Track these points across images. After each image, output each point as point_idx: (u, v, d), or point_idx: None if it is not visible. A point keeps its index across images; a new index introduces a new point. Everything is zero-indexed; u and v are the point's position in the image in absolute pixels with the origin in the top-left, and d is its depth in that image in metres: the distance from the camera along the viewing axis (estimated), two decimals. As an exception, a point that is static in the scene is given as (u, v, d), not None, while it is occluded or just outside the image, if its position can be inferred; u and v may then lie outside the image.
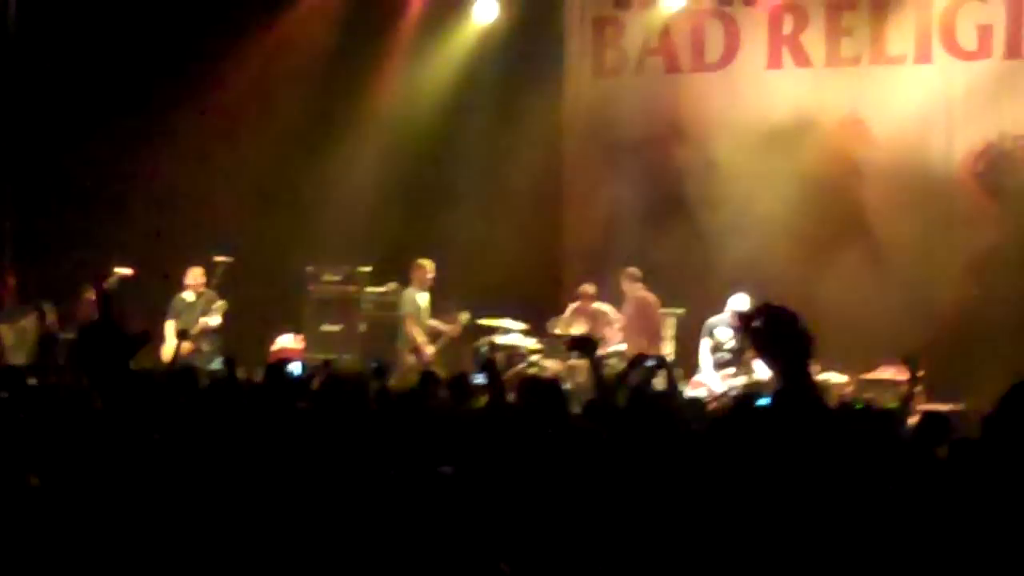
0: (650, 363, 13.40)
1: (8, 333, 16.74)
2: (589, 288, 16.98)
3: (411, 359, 16.67)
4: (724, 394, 14.98)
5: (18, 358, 15.68)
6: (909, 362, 11.58)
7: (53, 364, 15.28)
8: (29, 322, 16.91)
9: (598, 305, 16.94)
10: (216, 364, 15.10)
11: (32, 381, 10.62)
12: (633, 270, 16.89)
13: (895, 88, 17.52)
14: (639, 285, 16.82)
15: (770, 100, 18.08)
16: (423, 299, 17.12)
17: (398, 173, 18.86)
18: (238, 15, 18.85)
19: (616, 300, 17.08)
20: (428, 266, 17.11)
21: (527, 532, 5.90)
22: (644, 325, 16.63)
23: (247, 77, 19.04)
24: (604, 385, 9.48)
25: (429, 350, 16.68)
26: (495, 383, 9.72)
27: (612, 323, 16.84)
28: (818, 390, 7.10)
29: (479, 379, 11.29)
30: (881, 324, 15.96)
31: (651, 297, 16.92)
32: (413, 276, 17.16)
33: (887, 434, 6.99)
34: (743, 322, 7.27)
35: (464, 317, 17.46)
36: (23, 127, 18.60)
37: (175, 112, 18.52)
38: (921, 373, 13.93)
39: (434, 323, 17.06)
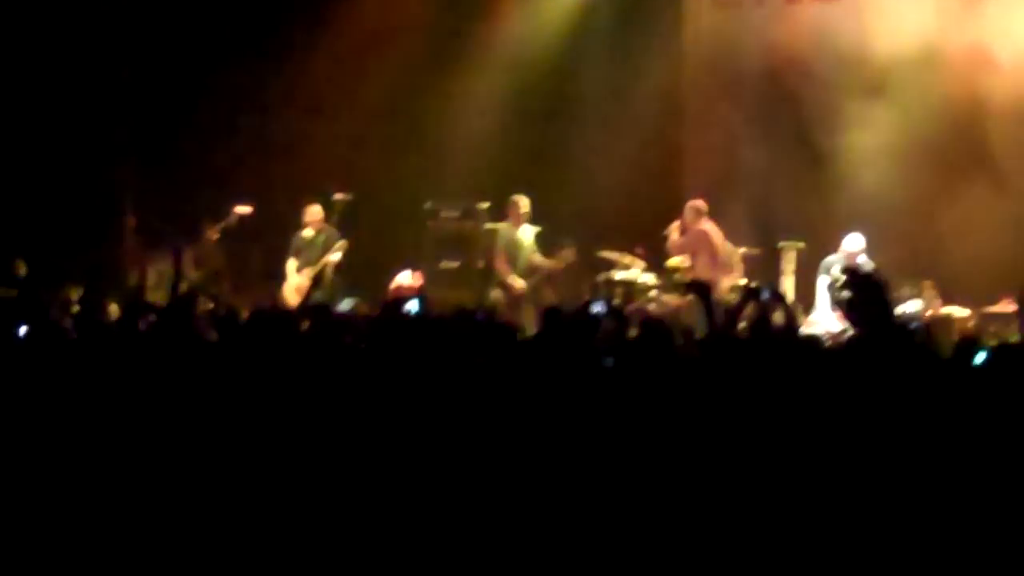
0: (765, 295, 13.90)
1: (152, 274, 17.13)
2: (699, 207, 16.81)
3: (499, 295, 16.62)
4: (841, 334, 14.33)
5: (158, 297, 15.87)
6: (1020, 298, 11.84)
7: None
8: (167, 263, 17.11)
9: (706, 224, 16.78)
10: (343, 301, 15.26)
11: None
12: (699, 203, 16.84)
13: (1021, 16, 17.08)
14: (704, 218, 16.71)
15: (893, 30, 17.55)
16: (522, 234, 17.06)
17: (517, 110, 18.71)
18: None
19: (735, 234, 16.99)
20: (522, 202, 17.08)
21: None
22: (710, 259, 16.45)
23: (365, 21, 18.75)
24: (717, 325, 9.13)
25: (518, 284, 16.61)
26: (618, 319, 9.62)
27: (731, 256, 16.69)
28: (912, 333, 8.36)
29: (598, 309, 11.40)
30: (1006, 258, 15.78)
31: (715, 230, 16.76)
32: (508, 212, 17.14)
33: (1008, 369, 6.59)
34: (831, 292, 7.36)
35: (568, 253, 17.31)
36: (144, 72, 18.70)
37: (294, 57, 18.72)
38: (1008, 305, 14.85)
39: (537, 259, 16.91)
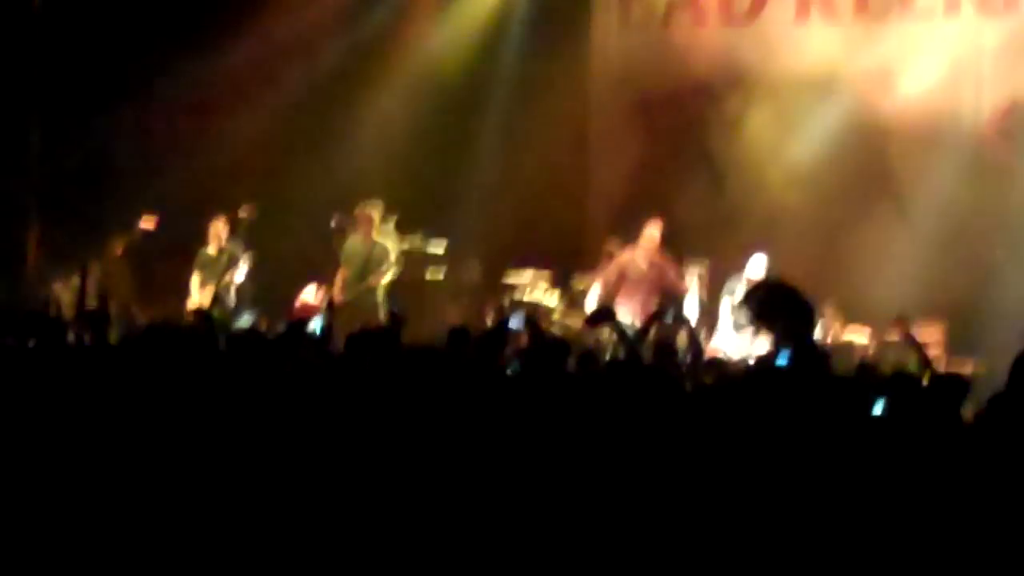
0: (668, 318, 13.58)
1: (64, 292, 16.72)
2: (612, 246, 16.69)
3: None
4: (743, 360, 14.35)
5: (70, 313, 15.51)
6: (899, 323, 12.06)
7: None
8: (75, 282, 16.67)
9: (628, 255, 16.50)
10: (243, 319, 15.27)
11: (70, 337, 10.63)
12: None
13: (923, 43, 17.22)
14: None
15: (798, 55, 17.81)
16: (362, 246, 16.71)
17: (424, 123, 18.62)
18: None
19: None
20: (372, 211, 16.81)
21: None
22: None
23: (277, 27, 18.71)
24: (629, 345, 9.77)
25: (337, 296, 16.27)
26: (536, 337, 10.10)
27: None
28: (826, 357, 8.25)
29: (515, 324, 11.50)
30: (906, 282, 15.65)
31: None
32: (358, 222, 16.83)
33: (902, 398, 6.91)
34: (745, 299, 7.40)
35: (471, 269, 17.86)
36: (50, 87, 18.51)
37: (203, 66, 18.34)
38: (934, 331, 14.92)
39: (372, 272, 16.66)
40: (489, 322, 16.06)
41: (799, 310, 7.26)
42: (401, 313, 11.98)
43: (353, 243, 16.56)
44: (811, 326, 8.23)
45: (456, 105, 18.72)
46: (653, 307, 14.99)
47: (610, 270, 16.50)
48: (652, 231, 16.51)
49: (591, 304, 15.93)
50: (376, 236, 16.63)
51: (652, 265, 16.51)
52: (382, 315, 15.85)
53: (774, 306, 7.67)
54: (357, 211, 16.69)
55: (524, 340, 11.79)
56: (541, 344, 9.99)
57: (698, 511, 5.40)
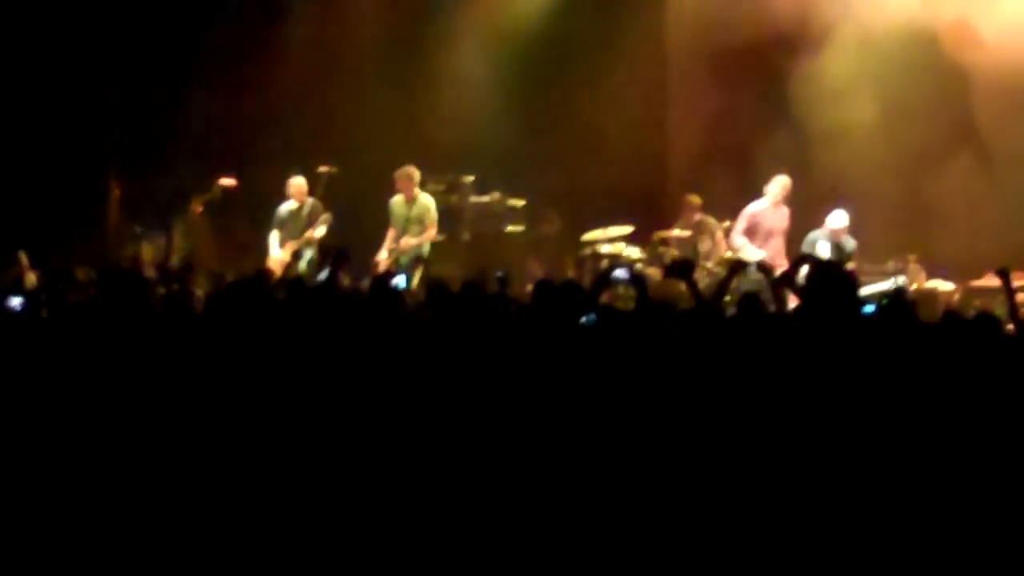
0: (751, 270, 13.31)
1: (148, 249, 16.93)
2: (694, 199, 16.88)
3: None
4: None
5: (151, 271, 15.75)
6: (1001, 274, 11.78)
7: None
8: (161, 241, 16.98)
9: (702, 216, 16.85)
10: (322, 274, 15.16)
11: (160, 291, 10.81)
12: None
13: None
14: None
15: (877, 6, 17.48)
16: (399, 206, 16.81)
17: (503, 80, 18.70)
18: None
19: (720, 207, 16.95)
20: (412, 173, 16.84)
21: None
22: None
23: None
24: (703, 299, 9.13)
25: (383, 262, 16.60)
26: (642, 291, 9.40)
27: (715, 232, 16.72)
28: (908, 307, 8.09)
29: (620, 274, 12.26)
30: (991, 231, 15.79)
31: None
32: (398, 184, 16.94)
33: (986, 341, 6.77)
34: (786, 282, 7.70)
35: (549, 224, 18.08)
36: (129, 48, 18.53)
37: (279, 30, 18.51)
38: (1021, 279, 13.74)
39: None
40: (570, 274, 16.43)
41: (847, 285, 7.03)
42: (504, 276, 11.86)
43: (397, 203, 16.65)
44: (859, 302, 7.81)
45: (535, 62, 18.68)
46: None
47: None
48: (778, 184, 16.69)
49: (748, 252, 15.95)
50: (418, 195, 16.71)
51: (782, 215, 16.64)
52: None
53: (821, 286, 7.33)
54: (398, 173, 16.72)
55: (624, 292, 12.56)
56: (645, 298, 10.12)
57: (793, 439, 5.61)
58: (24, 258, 14.76)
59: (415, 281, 16.13)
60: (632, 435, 5.94)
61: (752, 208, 16.45)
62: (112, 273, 10.39)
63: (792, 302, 12.35)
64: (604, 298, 10.88)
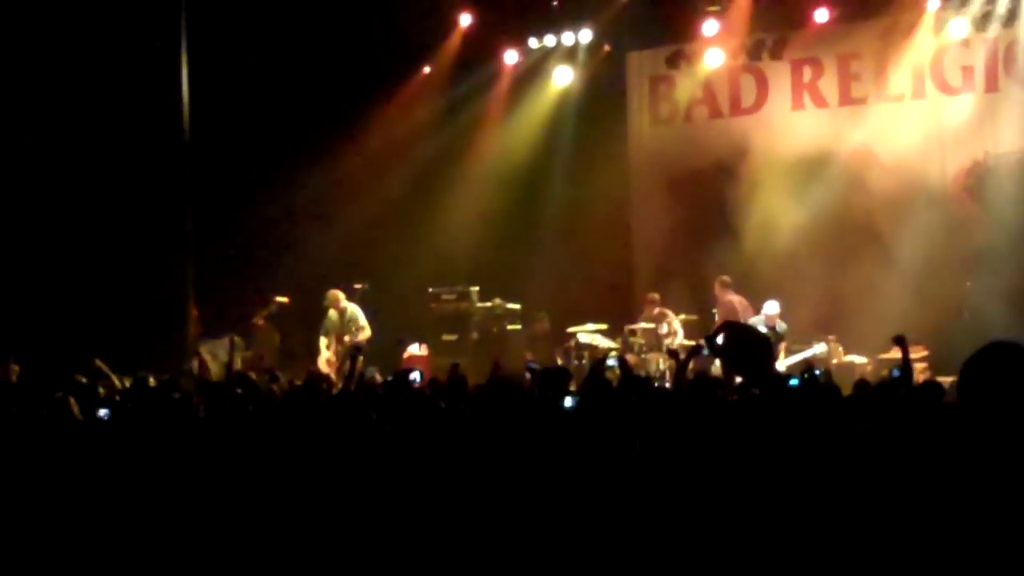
0: (704, 353, 14.63)
1: (208, 356, 17.00)
2: (654, 295, 17.35)
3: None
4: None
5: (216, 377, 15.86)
6: (898, 342, 12.50)
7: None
8: (223, 348, 16.60)
9: (660, 309, 17.21)
10: (367, 371, 15.13)
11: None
12: (725, 278, 17.18)
13: (897, 121, 17.94)
14: (730, 291, 17.10)
15: (795, 136, 18.51)
16: (337, 316, 16.91)
17: (497, 206, 19.37)
18: (372, 87, 19.48)
19: (676, 303, 17.54)
20: (335, 294, 17.01)
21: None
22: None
23: (385, 135, 19.51)
24: (679, 376, 9.54)
25: (323, 356, 16.77)
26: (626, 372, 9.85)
27: (671, 322, 17.10)
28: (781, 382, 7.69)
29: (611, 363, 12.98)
30: (893, 313, 15.83)
31: (738, 300, 17.06)
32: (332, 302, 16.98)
33: (891, 401, 7.14)
34: (708, 344, 7.18)
35: (541, 324, 18.45)
36: (201, 186, 18.24)
37: (319, 175, 19.14)
38: (920, 351, 14.99)
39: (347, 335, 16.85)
40: (559, 362, 16.84)
41: (762, 345, 7.00)
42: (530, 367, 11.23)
43: (332, 316, 16.71)
44: (770, 358, 7.89)
45: (523, 191, 19.41)
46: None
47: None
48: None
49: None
50: (346, 306, 16.75)
51: (727, 310, 16.69)
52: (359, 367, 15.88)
53: (735, 346, 7.37)
54: (327, 296, 16.87)
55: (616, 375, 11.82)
56: (630, 378, 10.16)
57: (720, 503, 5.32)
58: (102, 365, 13.83)
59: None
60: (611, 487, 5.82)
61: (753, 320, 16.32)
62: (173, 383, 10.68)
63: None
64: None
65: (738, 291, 17.25)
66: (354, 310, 16.92)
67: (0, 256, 17.79)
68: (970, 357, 3.79)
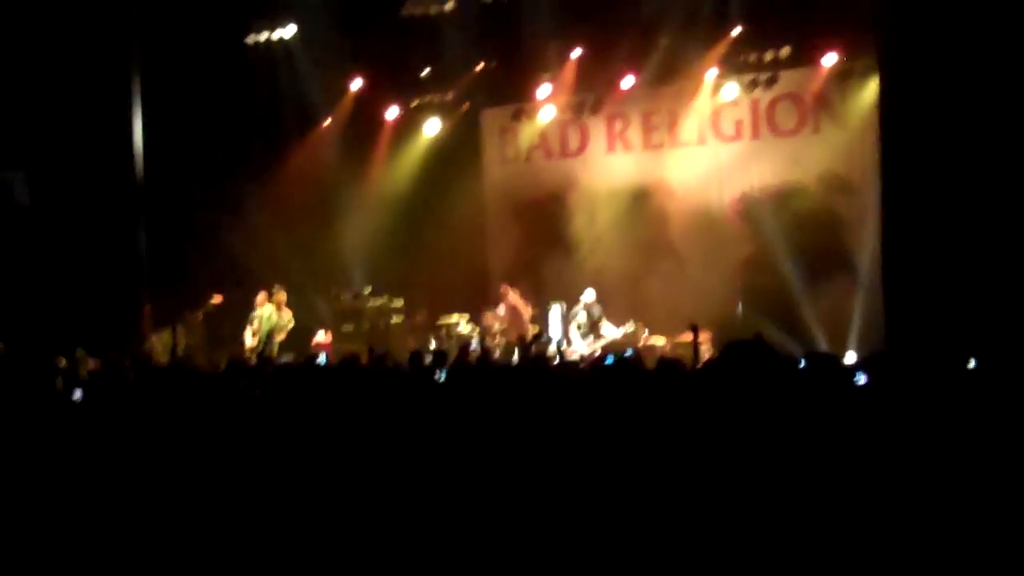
0: (543, 339, 15.45)
1: (157, 343, 16.72)
2: (506, 289, 17.93)
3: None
4: (591, 353, 15.77)
5: (163, 358, 15.97)
6: (692, 329, 12.96)
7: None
8: (166, 336, 16.70)
9: (513, 297, 17.74)
10: (284, 357, 15.75)
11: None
12: (506, 286, 17.81)
13: (686, 161, 18.56)
14: (511, 293, 17.70)
15: (610, 173, 19.16)
16: (270, 313, 17.16)
17: (386, 226, 19.51)
18: (288, 134, 19.64)
19: (528, 300, 17.96)
20: (277, 292, 17.29)
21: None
22: (516, 320, 17.50)
23: (297, 170, 19.45)
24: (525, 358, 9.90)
25: (248, 346, 16.84)
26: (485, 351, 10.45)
27: (522, 312, 17.59)
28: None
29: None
30: (685, 306, 16.44)
31: (519, 300, 17.67)
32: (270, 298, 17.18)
33: (682, 376, 6.92)
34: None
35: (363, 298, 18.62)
36: (154, 200, 18.21)
37: (253, 191, 19.06)
38: (705, 335, 15.41)
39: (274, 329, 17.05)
40: (432, 346, 16.80)
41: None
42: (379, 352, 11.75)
43: (261, 311, 17.05)
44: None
45: (404, 213, 19.60)
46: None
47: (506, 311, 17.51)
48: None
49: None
50: (272, 304, 17.07)
51: (512, 310, 17.62)
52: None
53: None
54: (260, 292, 17.06)
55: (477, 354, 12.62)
56: (486, 359, 10.76)
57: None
58: (82, 353, 13.74)
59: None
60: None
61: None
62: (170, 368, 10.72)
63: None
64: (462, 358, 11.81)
65: (568, 290, 17.88)
66: (272, 309, 17.22)
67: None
68: (723, 347, 3.90)
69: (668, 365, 7.21)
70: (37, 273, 17.68)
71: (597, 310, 17.09)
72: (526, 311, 17.65)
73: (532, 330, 17.02)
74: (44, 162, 18.21)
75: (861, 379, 5.54)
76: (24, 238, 18.03)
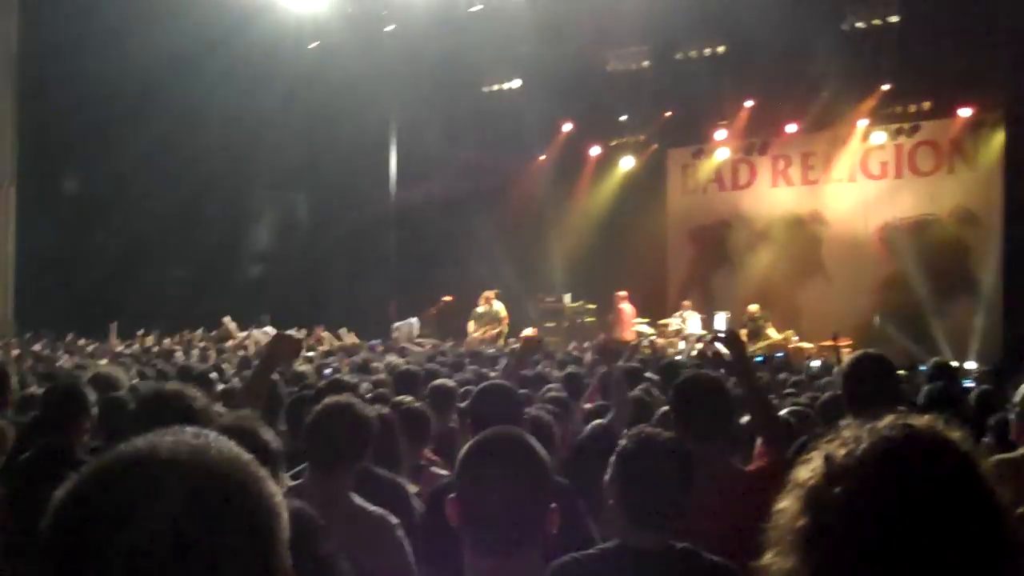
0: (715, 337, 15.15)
1: (399, 334, 17.05)
2: (686, 304, 18.25)
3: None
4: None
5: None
6: (834, 336, 13.08)
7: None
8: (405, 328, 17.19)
9: (685, 310, 18.17)
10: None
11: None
12: (622, 293, 17.82)
13: (838, 195, 19.08)
14: (623, 300, 17.77)
15: (773, 204, 19.75)
16: (487, 310, 17.67)
17: (585, 245, 19.90)
18: (515, 165, 20.05)
19: (699, 307, 18.40)
20: (490, 294, 17.77)
21: None
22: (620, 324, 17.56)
23: (517, 196, 19.99)
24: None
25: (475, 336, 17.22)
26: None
27: (691, 321, 17.82)
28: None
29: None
30: (832, 316, 16.66)
31: (629, 309, 17.77)
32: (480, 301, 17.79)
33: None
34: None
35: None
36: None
37: (485, 215, 19.54)
38: (846, 341, 14.96)
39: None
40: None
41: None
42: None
43: (479, 309, 17.77)
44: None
45: (603, 232, 20.01)
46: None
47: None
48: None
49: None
50: (493, 304, 17.71)
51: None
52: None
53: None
54: (482, 295, 17.60)
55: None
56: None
57: None
58: (322, 332, 15.23)
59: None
60: None
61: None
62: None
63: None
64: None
65: (729, 303, 18.39)
66: (492, 306, 18.12)
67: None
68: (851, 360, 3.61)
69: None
70: (311, 273, 19.41)
71: (761, 318, 17.66)
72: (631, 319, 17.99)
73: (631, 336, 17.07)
74: (321, 186, 20.09)
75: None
76: (303, 245, 19.89)
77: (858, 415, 1.53)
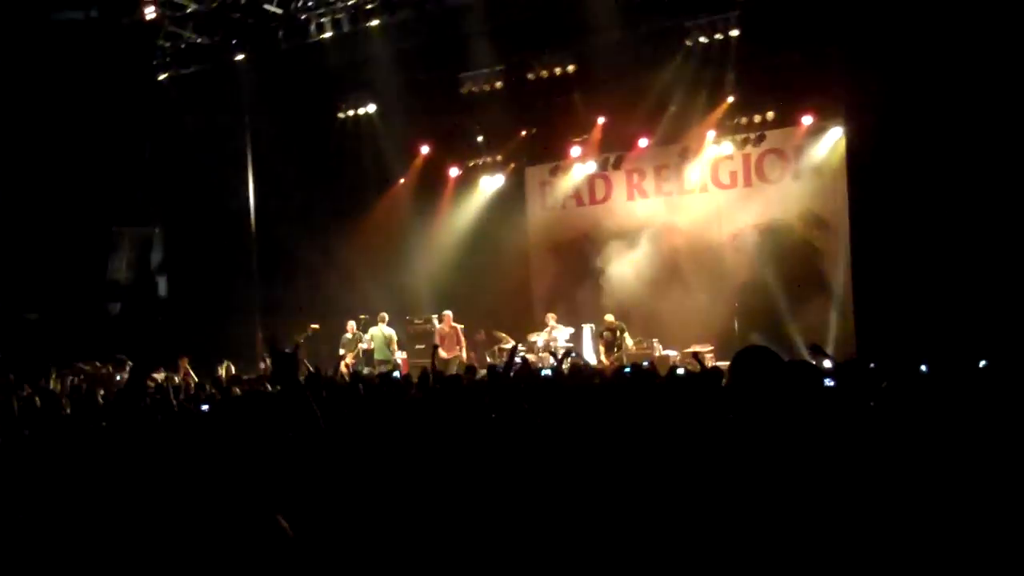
0: (572, 355, 14.43)
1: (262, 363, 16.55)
2: (551, 317, 17.67)
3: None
4: (612, 363, 15.32)
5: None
6: (697, 353, 12.07)
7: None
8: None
9: (552, 323, 17.52)
10: (365, 370, 15.40)
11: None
12: (447, 313, 17.35)
13: (692, 205, 18.71)
14: (447, 320, 17.34)
15: (630, 216, 19.26)
16: (376, 332, 17.30)
17: (450, 265, 19.45)
18: (372, 189, 19.54)
19: (565, 322, 17.69)
20: (379, 316, 17.37)
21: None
22: (455, 340, 17.21)
23: (378, 219, 19.45)
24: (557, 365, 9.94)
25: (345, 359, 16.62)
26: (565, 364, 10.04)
27: (553, 328, 17.30)
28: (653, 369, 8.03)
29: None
30: (693, 323, 17.19)
31: (454, 327, 17.27)
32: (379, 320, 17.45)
33: (713, 384, 6.62)
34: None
35: (481, 336, 18.16)
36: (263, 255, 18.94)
37: (347, 240, 18.93)
38: (708, 347, 15.70)
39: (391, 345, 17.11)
40: (488, 359, 16.96)
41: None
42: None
43: (347, 336, 17.40)
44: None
45: (466, 251, 19.58)
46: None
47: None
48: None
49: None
50: (379, 328, 17.30)
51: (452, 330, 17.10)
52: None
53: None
54: (348, 321, 17.18)
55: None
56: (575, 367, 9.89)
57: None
58: (186, 364, 13.99)
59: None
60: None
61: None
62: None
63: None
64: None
65: (594, 313, 17.89)
66: (359, 333, 17.67)
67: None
68: (736, 354, 3.38)
69: (674, 374, 7.14)
70: (170, 304, 18.58)
71: (619, 328, 17.41)
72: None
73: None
74: (176, 218, 19.14)
75: (830, 382, 5.39)
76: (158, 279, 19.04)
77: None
